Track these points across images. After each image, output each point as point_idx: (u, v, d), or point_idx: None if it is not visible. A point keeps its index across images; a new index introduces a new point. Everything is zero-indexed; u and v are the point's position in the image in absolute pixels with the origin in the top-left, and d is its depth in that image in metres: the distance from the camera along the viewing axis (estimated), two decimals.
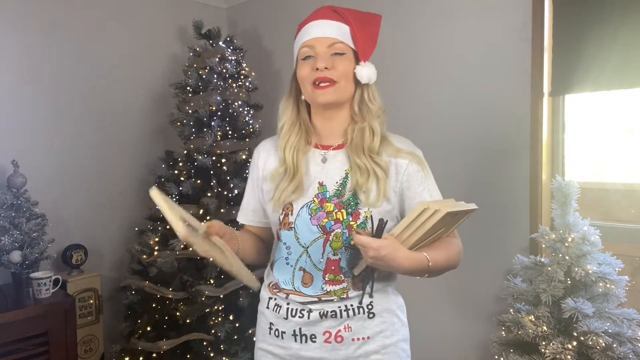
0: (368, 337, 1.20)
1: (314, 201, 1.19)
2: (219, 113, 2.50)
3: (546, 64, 1.93)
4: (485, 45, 2.10)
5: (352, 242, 1.10)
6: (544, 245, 1.79)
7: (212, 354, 2.23)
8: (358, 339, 1.19)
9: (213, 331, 2.23)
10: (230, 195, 2.43)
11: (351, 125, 1.23)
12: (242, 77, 2.63)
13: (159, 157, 2.59)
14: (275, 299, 1.25)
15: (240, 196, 1.55)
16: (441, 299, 2.29)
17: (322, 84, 1.16)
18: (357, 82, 1.21)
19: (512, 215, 2.04)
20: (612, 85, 1.79)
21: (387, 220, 1.10)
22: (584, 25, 1.81)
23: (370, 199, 1.17)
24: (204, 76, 2.52)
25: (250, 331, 2.33)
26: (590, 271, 1.62)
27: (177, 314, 2.25)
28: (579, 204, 1.72)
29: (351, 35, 1.18)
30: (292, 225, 1.20)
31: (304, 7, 2.85)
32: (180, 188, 2.38)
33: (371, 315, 1.20)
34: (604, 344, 1.51)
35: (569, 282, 1.66)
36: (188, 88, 2.52)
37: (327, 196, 1.19)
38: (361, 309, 1.19)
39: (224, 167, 2.45)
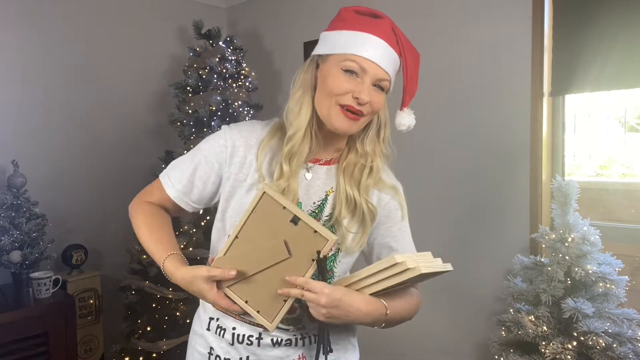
0: None
1: None
2: (219, 113, 2.50)
3: (546, 64, 1.93)
4: (486, 45, 2.10)
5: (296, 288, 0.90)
6: (544, 245, 1.79)
7: None
8: None
9: None
10: None
11: (349, 145, 1.09)
12: (242, 77, 2.62)
13: (159, 157, 2.59)
14: (217, 319, 1.10)
15: None
16: (441, 299, 2.28)
17: (351, 113, 0.99)
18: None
19: (512, 215, 2.04)
20: (612, 85, 1.80)
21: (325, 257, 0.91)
22: (584, 25, 1.82)
23: (348, 242, 1.04)
24: (204, 76, 2.52)
25: None
26: (590, 271, 1.62)
27: (177, 314, 2.25)
28: (579, 204, 1.72)
29: (402, 72, 1.04)
30: None
31: (303, 8, 2.87)
32: None
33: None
34: (604, 344, 1.51)
35: (569, 282, 1.66)
36: (188, 88, 2.52)
37: None
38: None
39: None
